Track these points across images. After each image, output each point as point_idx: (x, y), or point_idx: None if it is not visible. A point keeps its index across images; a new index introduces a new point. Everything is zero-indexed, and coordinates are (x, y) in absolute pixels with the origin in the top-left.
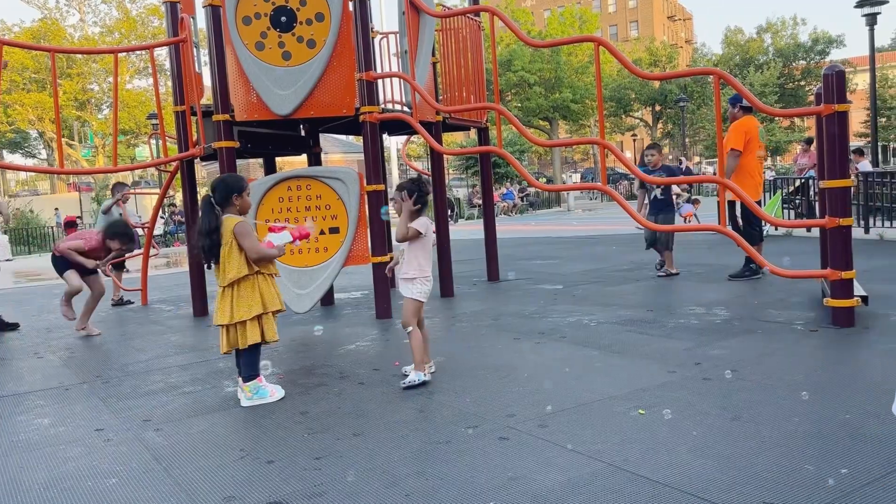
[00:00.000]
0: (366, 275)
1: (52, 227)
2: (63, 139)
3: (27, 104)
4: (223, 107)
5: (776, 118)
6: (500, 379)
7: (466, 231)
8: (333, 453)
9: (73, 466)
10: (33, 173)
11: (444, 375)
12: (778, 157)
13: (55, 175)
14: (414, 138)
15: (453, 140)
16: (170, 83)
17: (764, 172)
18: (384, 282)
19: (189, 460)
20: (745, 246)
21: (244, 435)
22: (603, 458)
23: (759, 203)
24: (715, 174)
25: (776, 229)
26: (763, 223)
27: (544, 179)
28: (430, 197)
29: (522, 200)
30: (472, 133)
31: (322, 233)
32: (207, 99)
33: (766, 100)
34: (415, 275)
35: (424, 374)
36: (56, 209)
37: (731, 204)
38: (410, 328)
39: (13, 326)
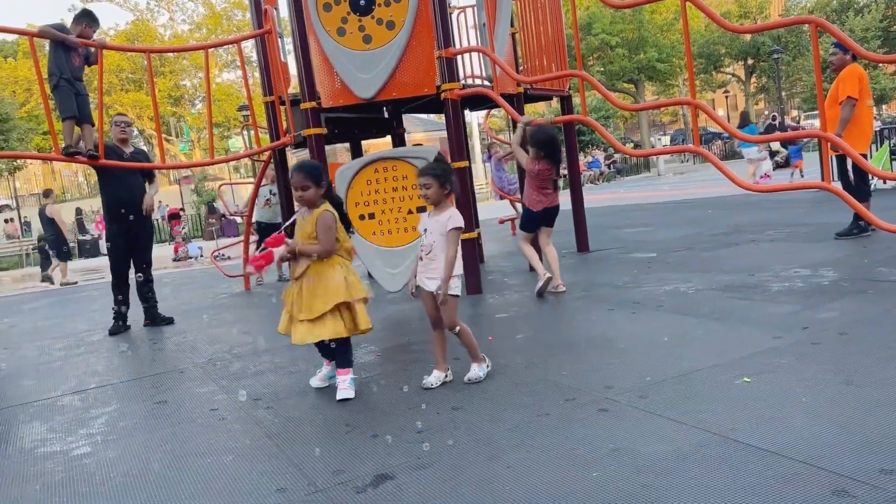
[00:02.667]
0: None
1: (157, 220)
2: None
3: (126, 103)
4: (310, 94)
5: (880, 65)
6: (595, 351)
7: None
8: (435, 427)
9: (193, 445)
10: None
11: (537, 349)
12: (883, 106)
13: (158, 170)
14: (495, 111)
15: (535, 110)
16: (257, 74)
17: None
18: (473, 258)
19: (298, 436)
20: (854, 203)
21: (348, 411)
22: (709, 428)
23: (865, 156)
24: (815, 128)
25: (884, 183)
26: (870, 178)
27: (631, 144)
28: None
29: (609, 168)
30: (555, 102)
31: (410, 212)
32: (294, 87)
33: (868, 45)
34: (453, 272)
35: (487, 367)
36: (160, 202)
37: (842, 158)
38: (458, 327)
39: (169, 320)
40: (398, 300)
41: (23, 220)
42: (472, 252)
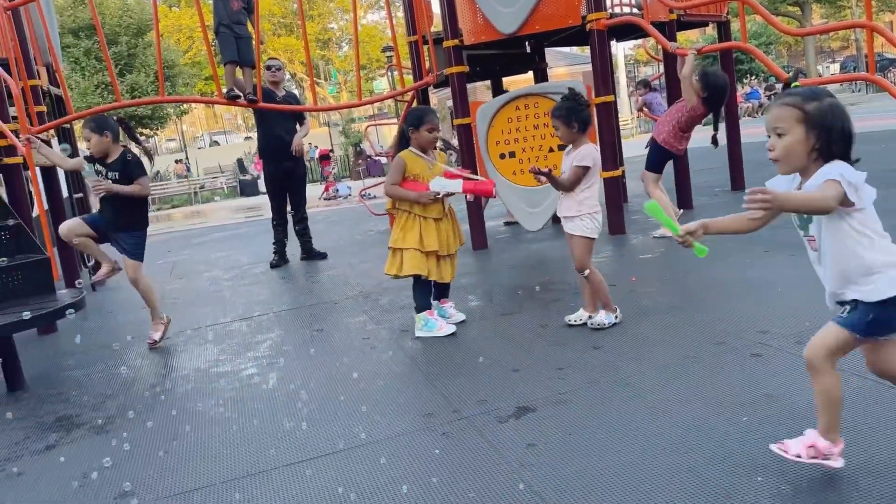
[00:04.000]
0: None
1: (308, 161)
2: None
3: (277, 48)
4: (452, 32)
5: None
6: (749, 294)
7: (704, 137)
8: (575, 364)
9: (347, 370)
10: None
11: (684, 291)
12: None
13: (309, 112)
14: (644, 41)
15: (687, 39)
16: (401, 14)
17: None
18: (616, 196)
19: (443, 366)
20: None
21: (490, 345)
22: (871, 375)
23: None
24: None
25: None
26: None
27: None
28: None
29: (770, 99)
30: (710, 29)
31: (551, 150)
32: (437, 26)
33: None
34: (578, 211)
35: (615, 316)
36: (311, 144)
37: None
38: (587, 270)
39: (323, 255)
40: (539, 239)
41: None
42: (616, 191)
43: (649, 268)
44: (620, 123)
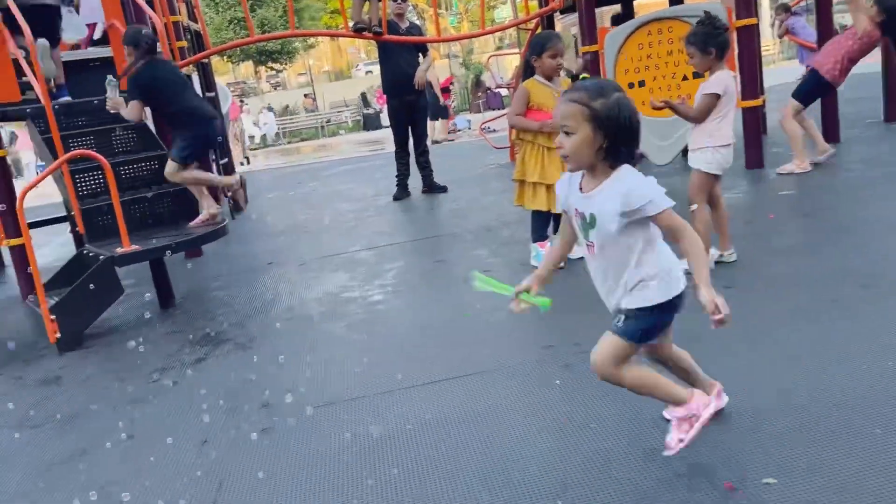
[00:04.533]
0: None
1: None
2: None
3: None
4: None
5: None
6: None
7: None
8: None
9: (469, 300)
10: None
11: (825, 229)
12: None
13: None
14: None
15: None
16: None
17: None
18: (755, 128)
19: (564, 300)
20: None
21: (587, 287)
22: None
23: None
24: None
25: None
26: None
27: None
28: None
29: None
30: None
31: (685, 78)
32: None
33: None
34: (705, 143)
35: (723, 255)
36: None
37: None
38: (694, 206)
39: (443, 189)
40: (666, 173)
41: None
42: (755, 122)
43: (788, 204)
44: (762, 49)
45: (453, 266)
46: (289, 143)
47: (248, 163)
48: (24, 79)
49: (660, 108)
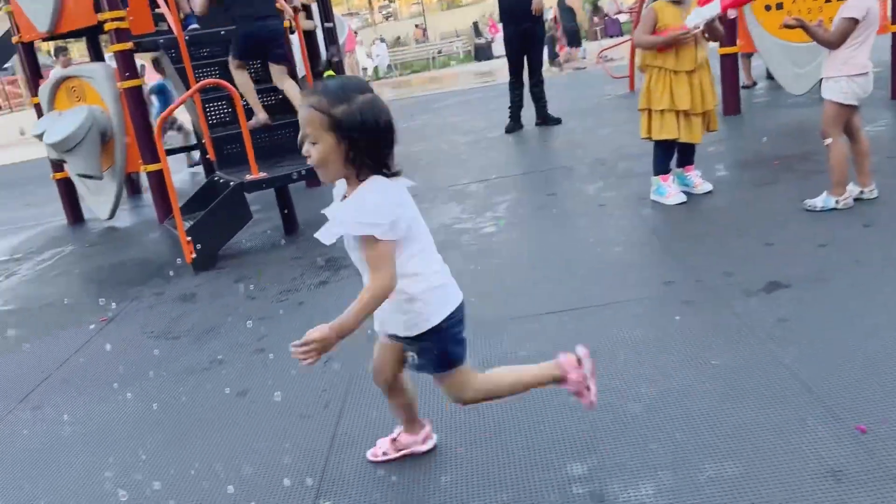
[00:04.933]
0: (880, 49)
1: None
2: None
3: None
4: None
5: None
6: None
7: None
8: (839, 241)
9: (583, 234)
10: None
11: None
12: None
13: None
14: None
15: None
16: None
17: None
18: None
19: (685, 236)
20: None
21: (739, 217)
22: None
23: None
24: None
25: None
26: None
27: None
28: None
29: None
30: None
31: (827, 0)
32: None
33: None
34: (838, 71)
35: (837, 201)
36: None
37: None
38: (829, 140)
39: (557, 121)
40: (802, 104)
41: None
42: None
43: None
44: None
45: (566, 199)
46: (400, 75)
47: None
48: (156, 10)
49: (791, 27)
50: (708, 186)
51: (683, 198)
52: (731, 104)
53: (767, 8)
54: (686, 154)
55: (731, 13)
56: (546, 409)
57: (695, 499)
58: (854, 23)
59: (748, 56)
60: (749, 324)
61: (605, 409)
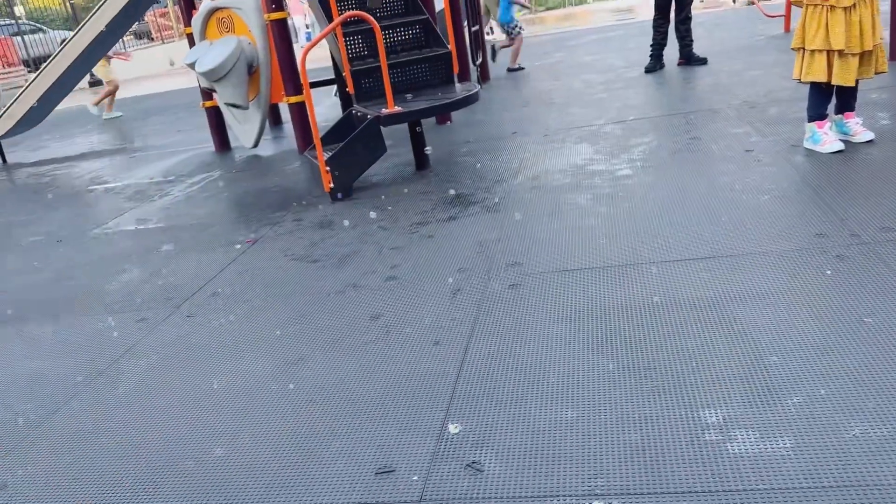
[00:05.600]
0: None
1: None
2: None
3: None
4: None
5: None
6: None
7: None
8: None
9: (727, 181)
10: None
11: None
12: None
13: None
14: None
15: None
16: None
17: None
18: None
19: (840, 187)
20: None
21: (871, 175)
22: None
23: None
24: None
25: None
26: None
27: None
28: None
29: None
30: None
31: None
32: None
33: None
34: None
35: None
36: None
37: None
38: None
39: (703, 61)
40: None
41: None
42: None
43: None
44: None
45: (710, 143)
46: (534, 12)
47: (493, 32)
48: None
49: None
50: (869, 135)
51: (841, 146)
52: None
53: None
54: (845, 99)
55: None
56: (682, 349)
57: (837, 459)
58: None
59: None
60: None
61: (744, 358)
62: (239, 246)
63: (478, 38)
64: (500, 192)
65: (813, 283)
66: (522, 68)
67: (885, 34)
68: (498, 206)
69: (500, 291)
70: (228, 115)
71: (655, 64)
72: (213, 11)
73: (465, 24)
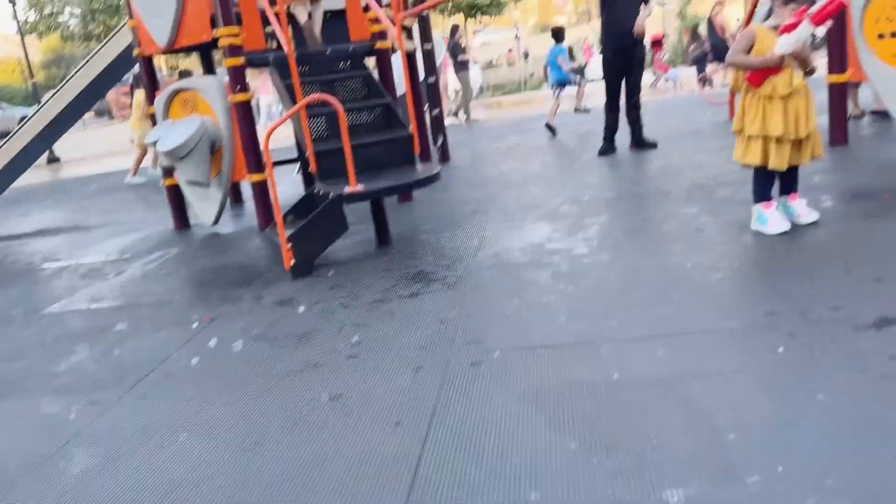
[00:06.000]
0: None
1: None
2: None
3: None
4: None
5: None
6: None
7: None
8: None
9: (681, 259)
10: None
11: None
12: None
13: None
14: None
15: None
16: None
17: None
18: None
19: (788, 267)
20: None
21: (846, 250)
22: None
23: None
24: None
25: None
26: None
27: None
28: None
29: None
30: None
31: None
32: None
33: None
34: None
35: None
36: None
37: None
38: None
39: (653, 145)
40: None
41: (522, 51)
42: None
43: None
44: None
45: (662, 223)
46: (492, 96)
47: (455, 115)
48: (267, 28)
49: None
50: (814, 216)
51: (787, 227)
52: (838, 134)
53: (881, 36)
54: (788, 181)
55: (821, 31)
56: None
57: None
58: None
59: (856, 85)
60: (859, 360)
61: (703, 437)
62: (196, 324)
63: (439, 121)
64: (461, 270)
65: (766, 361)
66: (588, 110)
67: (824, 119)
68: (459, 283)
69: (462, 369)
70: (189, 193)
71: (608, 147)
72: (176, 92)
73: (427, 107)
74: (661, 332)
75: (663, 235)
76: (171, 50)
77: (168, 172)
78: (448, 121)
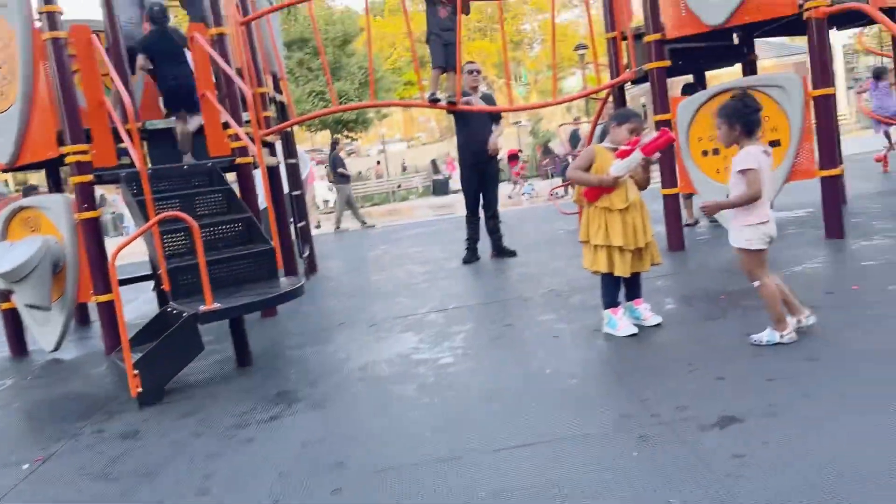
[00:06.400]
0: (812, 190)
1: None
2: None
3: (472, 51)
4: (654, 26)
5: None
6: None
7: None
8: (787, 375)
9: (538, 365)
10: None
11: None
12: None
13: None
14: (867, 30)
15: None
16: (594, 12)
17: None
18: (834, 197)
19: (639, 369)
20: None
21: (690, 351)
22: None
23: None
24: None
25: None
26: None
27: None
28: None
29: None
30: None
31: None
32: (637, 21)
33: None
34: (741, 221)
35: (781, 335)
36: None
37: None
38: (757, 282)
39: (513, 253)
40: None
41: (401, 163)
42: (833, 192)
43: (874, 275)
44: (839, 118)
45: (522, 330)
46: (361, 207)
47: (319, 226)
48: (120, 145)
49: (712, 213)
50: (657, 319)
51: (634, 330)
52: (676, 241)
53: (704, 153)
54: (632, 287)
55: (655, 157)
56: None
57: None
58: (756, 171)
59: (688, 196)
60: (705, 460)
61: None
62: (26, 466)
63: (305, 233)
64: (327, 386)
65: (623, 467)
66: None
67: (661, 229)
68: (323, 402)
69: (322, 499)
70: (27, 317)
71: (471, 256)
72: (17, 211)
73: (292, 220)
74: (525, 440)
75: (524, 342)
76: (14, 168)
77: (4, 296)
78: (315, 232)
